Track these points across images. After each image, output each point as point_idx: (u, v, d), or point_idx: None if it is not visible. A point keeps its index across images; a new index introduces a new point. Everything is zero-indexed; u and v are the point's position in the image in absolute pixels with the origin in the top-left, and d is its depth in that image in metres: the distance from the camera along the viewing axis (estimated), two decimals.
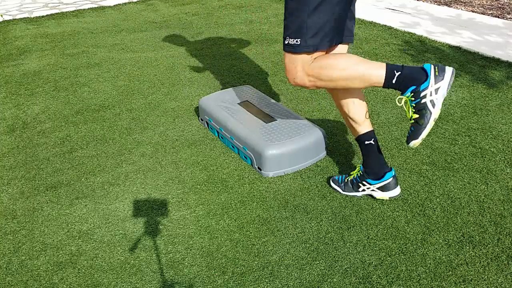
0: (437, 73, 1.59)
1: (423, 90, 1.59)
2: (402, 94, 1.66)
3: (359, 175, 1.97)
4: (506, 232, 1.80)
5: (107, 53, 3.81)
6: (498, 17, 4.46)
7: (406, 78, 1.61)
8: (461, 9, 4.77)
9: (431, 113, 1.60)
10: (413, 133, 1.65)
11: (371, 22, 4.34)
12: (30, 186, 2.17)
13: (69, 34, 4.32)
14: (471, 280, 1.59)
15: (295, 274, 1.64)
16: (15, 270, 1.70)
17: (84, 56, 3.76)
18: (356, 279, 1.61)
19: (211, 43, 3.95)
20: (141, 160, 2.34)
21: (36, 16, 4.91)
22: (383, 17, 4.50)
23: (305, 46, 1.65)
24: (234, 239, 1.81)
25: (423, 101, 1.60)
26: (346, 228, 1.84)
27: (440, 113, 2.67)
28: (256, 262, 1.69)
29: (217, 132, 2.47)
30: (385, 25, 4.23)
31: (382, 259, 1.69)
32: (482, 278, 1.60)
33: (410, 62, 3.39)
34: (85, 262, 1.73)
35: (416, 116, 1.63)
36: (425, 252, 1.71)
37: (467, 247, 1.73)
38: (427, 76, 1.60)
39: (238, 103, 2.52)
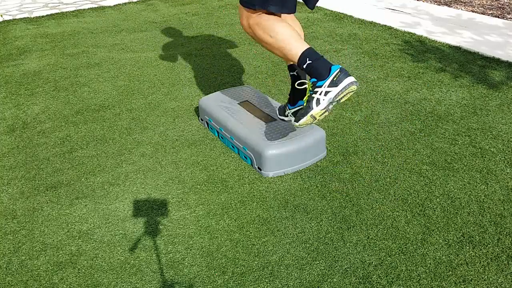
0: (335, 79, 1.65)
1: (318, 86, 1.68)
2: (309, 79, 1.75)
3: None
4: (506, 232, 1.80)
5: (107, 53, 3.81)
6: (498, 17, 4.46)
7: (313, 69, 1.70)
8: (461, 9, 4.77)
9: (311, 109, 1.69)
10: (299, 114, 1.76)
11: (371, 22, 4.34)
12: (30, 186, 2.17)
13: (69, 34, 4.32)
14: (471, 280, 1.59)
15: (295, 274, 1.64)
16: (15, 270, 1.70)
17: (84, 56, 3.76)
18: (356, 279, 1.61)
19: (211, 43, 3.95)
20: (141, 160, 2.34)
21: (36, 16, 4.91)
22: (383, 17, 4.50)
23: (248, 2, 1.84)
24: (234, 239, 1.81)
25: (313, 95, 1.70)
26: (346, 228, 1.84)
27: (440, 113, 2.67)
28: (256, 262, 1.69)
29: (217, 132, 2.47)
30: (385, 25, 4.23)
31: (382, 259, 1.69)
32: (482, 278, 1.60)
33: (410, 62, 3.39)
34: (85, 262, 1.73)
35: (305, 104, 1.74)
36: (425, 252, 1.71)
37: (467, 247, 1.73)
38: (328, 76, 1.66)
39: (238, 103, 2.52)
